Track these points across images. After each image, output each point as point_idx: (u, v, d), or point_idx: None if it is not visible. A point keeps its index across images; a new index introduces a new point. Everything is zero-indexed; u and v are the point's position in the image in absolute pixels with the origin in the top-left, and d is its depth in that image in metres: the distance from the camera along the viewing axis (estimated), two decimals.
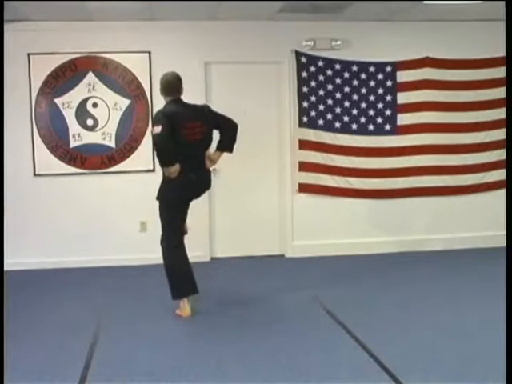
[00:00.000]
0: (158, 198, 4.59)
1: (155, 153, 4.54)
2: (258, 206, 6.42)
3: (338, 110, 6.40)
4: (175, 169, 4.35)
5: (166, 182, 4.50)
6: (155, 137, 4.29)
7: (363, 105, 6.44)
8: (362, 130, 6.46)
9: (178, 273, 4.51)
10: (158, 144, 4.31)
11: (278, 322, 4.29)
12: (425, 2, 5.52)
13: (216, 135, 4.60)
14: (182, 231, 4.64)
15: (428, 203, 6.61)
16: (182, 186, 4.44)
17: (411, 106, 6.48)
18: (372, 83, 6.43)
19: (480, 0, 5.49)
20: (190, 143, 4.37)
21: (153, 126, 4.37)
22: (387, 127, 6.49)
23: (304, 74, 6.32)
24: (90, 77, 6.13)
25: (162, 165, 4.39)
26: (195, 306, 4.71)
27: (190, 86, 6.18)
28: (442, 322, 4.17)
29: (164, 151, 4.30)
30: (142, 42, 6.13)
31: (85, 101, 6.15)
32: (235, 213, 6.38)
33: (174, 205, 4.54)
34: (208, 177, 4.65)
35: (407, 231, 6.59)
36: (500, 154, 6.48)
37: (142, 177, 6.25)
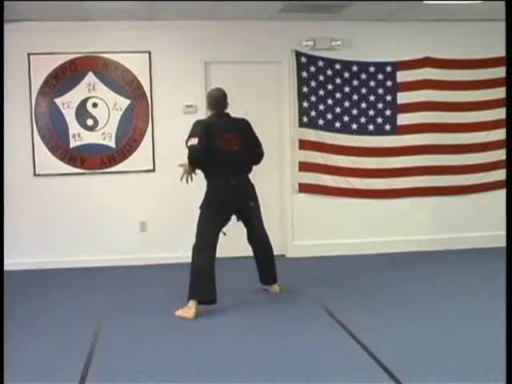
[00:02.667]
0: (200, 206, 4.72)
1: (188, 161, 4.67)
2: None
3: (337, 110, 6.40)
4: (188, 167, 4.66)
5: (208, 186, 4.73)
6: (190, 148, 4.58)
7: (363, 105, 6.44)
8: (362, 130, 6.46)
9: (200, 275, 4.50)
10: (192, 157, 4.58)
11: (278, 322, 4.29)
12: (425, 2, 5.52)
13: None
14: (216, 241, 4.64)
15: (428, 203, 6.61)
16: (221, 188, 4.63)
17: (411, 106, 6.48)
18: (372, 83, 6.43)
19: (480, 0, 5.49)
20: (226, 153, 4.62)
21: (189, 137, 4.62)
22: (387, 127, 6.49)
23: (304, 74, 6.32)
24: (90, 77, 6.13)
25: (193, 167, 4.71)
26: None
27: (190, 86, 6.23)
28: (442, 322, 4.17)
29: (195, 163, 4.62)
30: (142, 42, 6.13)
31: (85, 101, 6.16)
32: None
33: (210, 210, 4.64)
34: (248, 186, 4.80)
35: (407, 231, 6.59)
36: (500, 154, 6.48)
37: (142, 177, 6.25)
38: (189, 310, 4.42)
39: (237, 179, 4.66)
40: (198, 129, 4.61)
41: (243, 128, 4.79)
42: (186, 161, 4.66)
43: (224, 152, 4.62)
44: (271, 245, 5.08)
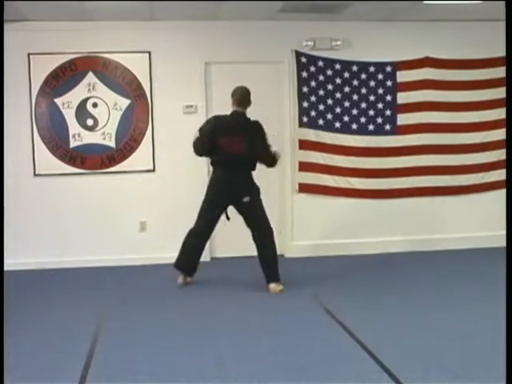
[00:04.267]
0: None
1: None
2: None
3: (337, 110, 6.40)
4: None
5: (212, 179, 5.18)
6: (194, 140, 5.14)
7: (363, 105, 6.44)
8: (362, 130, 6.46)
9: (185, 249, 5.22)
10: (193, 148, 5.15)
11: (278, 322, 4.29)
12: (425, 1, 5.52)
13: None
14: (206, 225, 5.19)
15: (428, 203, 6.61)
16: (217, 181, 5.07)
17: (411, 106, 6.48)
18: (372, 83, 6.43)
19: (480, 0, 5.49)
20: (227, 153, 4.97)
21: (199, 129, 5.15)
22: (387, 127, 6.49)
23: (304, 74, 6.32)
24: (90, 77, 6.13)
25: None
26: (196, 306, 4.73)
27: (190, 85, 6.23)
28: (441, 322, 4.17)
29: (195, 153, 5.19)
30: (142, 42, 6.13)
31: (85, 101, 6.16)
32: (235, 213, 6.37)
33: (208, 198, 5.13)
34: (245, 184, 5.06)
35: (407, 231, 6.59)
36: (500, 154, 6.48)
37: (142, 177, 6.26)
38: (178, 277, 5.23)
39: (233, 176, 4.99)
40: (207, 126, 5.10)
41: (251, 131, 5.02)
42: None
43: (225, 151, 4.96)
44: (271, 243, 5.14)
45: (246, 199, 5.04)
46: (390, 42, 6.40)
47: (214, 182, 5.12)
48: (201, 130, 5.12)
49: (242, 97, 5.02)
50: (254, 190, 5.11)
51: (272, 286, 5.09)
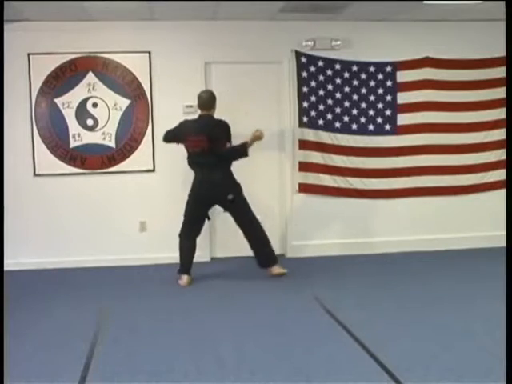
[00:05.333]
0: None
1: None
2: (257, 206, 6.41)
3: (338, 110, 6.40)
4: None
5: (194, 180, 5.44)
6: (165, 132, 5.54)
7: (363, 105, 6.44)
8: (362, 130, 6.46)
9: (180, 255, 5.49)
10: (164, 136, 5.58)
11: (278, 322, 4.29)
12: (425, 1, 5.52)
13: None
14: (193, 228, 5.44)
15: (428, 203, 6.61)
16: (197, 183, 5.37)
17: (411, 106, 6.48)
18: (372, 83, 6.43)
19: (480, 0, 5.49)
20: (195, 153, 5.31)
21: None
22: (387, 127, 6.49)
23: (304, 74, 6.32)
24: (90, 77, 6.13)
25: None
26: (196, 306, 4.73)
27: (190, 86, 6.22)
28: (442, 322, 4.17)
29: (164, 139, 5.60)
30: (142, 42, 6.14)
31: (85, 101, 6.16)
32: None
33: (190, 199, 5.42)
34: (224, 181, 5.31)
35: (407, 231, 6.59)
36: (500, 154, 6.48)
37: (141, 177, 6.26)
38: (182, 279, 5.41)
39: (208, 176, 5.29)
40: (177, 127, 5.47)
41: (213, 129, 5.32)
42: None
43: (193, 151, 5.34)
44: (262, 227, 5.48)
45: (230, 196, 5.31)
46: (389, 42, 6.40)
47: (194, 182, 5.40)
48: (172, 129, 5.52)
49: (202, 102, 5.38)
50: (236, 187, 5.38)
51: (274, 267, 5.44)
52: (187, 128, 5.40)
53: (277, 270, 5.52)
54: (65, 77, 6.10)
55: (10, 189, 6.01)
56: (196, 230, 5.46)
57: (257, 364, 3.49)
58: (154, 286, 5.43)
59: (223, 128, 5.37)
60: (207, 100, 5.37)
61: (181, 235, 5.47)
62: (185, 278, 5.41)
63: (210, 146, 5.23)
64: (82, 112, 6.15)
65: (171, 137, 5.50)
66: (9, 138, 5.95)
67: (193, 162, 5.39)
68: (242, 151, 5.40)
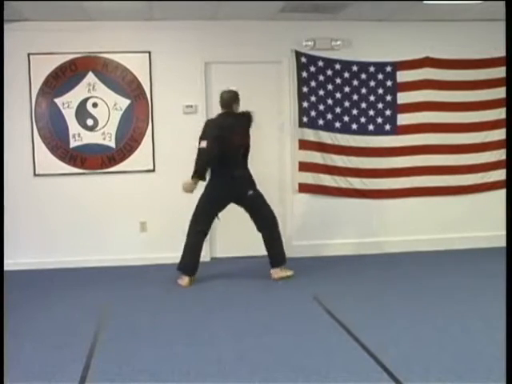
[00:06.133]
0: (204, 191, 5.32)
1: (196, 162, 5.19)
2: None
3: (337, 110, 6.41)
4: (192, 185, 5.18)
5: (212, 176, 5.27)
6: (200, 150, 5.13)
7: (363, 105, 6.44)
8: (362, 130, 6.46)
9: (185, 253, 5.32)
10: (200, 159, 5.15)
11: (277, 322, 4.28)
12: (425, 1, 5.52)
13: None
14: (208, 227, 5.37)
15: (428, 203, 6.61)
16: (224, 179, 5.21)
17: (411, 106, 6.48)
18: (372, 83, 6.43)
19: (480, 0, 5.49)
20: (233, 149, 5.18)
21: (200, 138, 5.17)
22: (387, 127, 6.49)
23: (304, 74, 6.32)
24: (90, 77, 6.13)
25: (197, 175, 5.17)
26: (196, 306, 4.73)
27: (190, 86, 6.23)
28: (442, 322, 4.17)
29: (204, 164, 5.16)
30: (142, 42, 6.14)
31: (85, 101, 6.16)
32: (235, 213, 6.37)
33: (209, 196, 5.26)
34: (247, 177, 5.31)
35: (407, 231, 6.59)
36: (500, 154, 6.48)
37: (141, 177, 6.26)
38: (183, 280, 5.30)
39: (239, 172, 5.23)
40: (210, 131, 5.16)
41: (246, 123, 5.31)
42: (187, 179, 5.18)
43: (231, 148, 5.17)
44: (278, 225, 5.48)
45: (251, 192, 5.29)
46: (389, 42, 6.41)
47: (216, 180, 5.24)
48: (203, 138, 5.14)
49: (224, 102, 5.31)
50: (254, 184, 5.37)
51: (276, 270, 5.44)
52: (227, 125, 5.20)
53: (277, 273, 5.44)
54: (65, 77, 6.10)
55: (10, 189, 6.01)
56: (208, 230, 5.42)
57: (257, 364, 3.49)
58: (154, 285, 5.43)
59: (250, 122, 5.38)
60: (228, 99, 5.30)
61: (193, 231, 5.31)
62: (186, 279, 5.30)
63: (244, 142, 5.29)
64: (82, 112, 6.15)
65: (212, 151, 5.10)
66: (9, 137, 5.95)
67: (225, 159, 5.14)
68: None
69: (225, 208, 5.35)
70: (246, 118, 5.32)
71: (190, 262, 5.30)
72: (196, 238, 5.30)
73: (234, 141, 5.17)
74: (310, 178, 6.43)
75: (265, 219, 5.40)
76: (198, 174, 5.14)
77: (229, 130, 5.17)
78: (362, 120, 6.46)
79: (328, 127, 6.40)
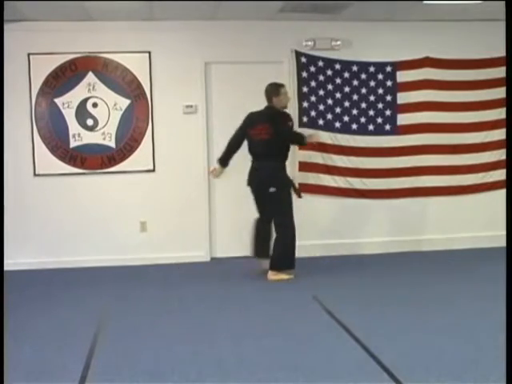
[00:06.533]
0: None
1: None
2: None
3: (337, 110, 6.41)
4: (217, 170, 5.61)
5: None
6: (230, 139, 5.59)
7: (363, 105, 6.44)
8: (362, 130, 6.46)
9: (255, 239, 5.68)
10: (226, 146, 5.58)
11: (277, 322, 4.28)
12: (425, 1, 5.52)
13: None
14: (262, 211, 5.53)
15: (428, 203, 6.61)
16: (250, 170, 5.48)
17: (411, 106, 6.48)
18: (372, 83, 6.43)
19: (480, 0, 5.49)
20: (255, 141, 5.40)
21: None
22: (387, 127, 6.49)
23: (304, 74, 6.33)
24: (90, 77, 6.13)
25: (218, 161, 5.65)
26: (196, 306, 4.73)
27: (190, 86, 6.23)
28: (442, 322, 4.16)
29: (223, 152, 5.59)
30: (142, 41, 6.14)
31: (85, 101, 6.16)
32: (235, 213, 6.38)
33: (248, 184, 5.52)
34: (269, 171, 5.38)
35: (407, 231, 6.59)
36: (500, 154, 6.48)
37: (142, 177, 6.26)
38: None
39: (259, 163, 5.39)
40: (244, 121, 5.53)
41: (274, 118, 5.38)
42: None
43: (254, 140, 5.42)
44: (288, 236, 5.47)
45: (272, 189, 5.33)
46: (389, 42, 6.40)
47: (249, 172, 5.51)
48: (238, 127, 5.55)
49: (265, 94, 5.48)
50: (280, 183, 5.40)
51: (272, 272, 5.44)
52: (252, 118, 5.48)
53: (272, 275, 5.46)
54: (65, 77, 6.10)
55: (10, 189, 6.02)
56: (263, 214, 5.52)
57: (257, 364, 3.49)
58: (153, 286, 5.43)
59: (283, 117, 5.42)
60: (266, 92, 5.47)
61: (256, 220, 5.59)
62: (265, 263, 5.48)
63: (272, 136, 5.32)
64: (81, 112, 6.15)
65: (232, 138, 5.54)
66: (9, 137, 5.95)
67: (250, 151, 5.48)
68: (299, 137, 5.59)
69: (260, 198, 5.47)
70: (271, 115, 5.40)
71: (258, 245, 5.65)
72: (258, 224, 5.59)
73: (251, 135, 5.41)
74: (310, 177, 6.44)
75: (275, 225, 5.48)
76: (218, 160, 5.58)
77: (250, 124, 5.44)
78: (362, 120, 6.46)
79: (328, 127, 6.40)
